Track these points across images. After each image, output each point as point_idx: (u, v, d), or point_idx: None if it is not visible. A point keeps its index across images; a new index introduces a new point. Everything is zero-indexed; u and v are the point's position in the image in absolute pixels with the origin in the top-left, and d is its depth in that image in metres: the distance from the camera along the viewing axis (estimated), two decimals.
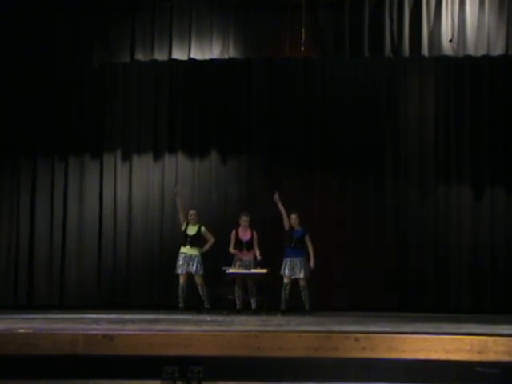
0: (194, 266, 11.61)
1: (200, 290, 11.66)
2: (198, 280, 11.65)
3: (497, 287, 12.31)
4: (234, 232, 11.83)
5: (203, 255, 11.72)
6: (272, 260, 11.78)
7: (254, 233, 11.79)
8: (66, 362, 6.68)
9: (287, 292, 11.46)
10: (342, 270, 12.62)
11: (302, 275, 11.41)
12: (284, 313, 11.29)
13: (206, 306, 11.62)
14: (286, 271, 11.47)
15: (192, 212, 11.86)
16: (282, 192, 12.52)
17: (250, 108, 13.11)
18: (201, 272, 11.63)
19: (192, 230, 11.75)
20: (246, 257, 11.73)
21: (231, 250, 11.79)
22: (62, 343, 6.67)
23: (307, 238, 11.50)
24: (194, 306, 11.74)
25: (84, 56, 11.54)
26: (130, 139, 13.21)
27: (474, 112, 12.62)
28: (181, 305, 11.57)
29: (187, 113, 13.16)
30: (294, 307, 11.49)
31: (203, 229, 11.79)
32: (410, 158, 12.77)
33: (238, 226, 11.84)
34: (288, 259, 11.50)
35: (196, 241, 11.73)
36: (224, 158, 13.10)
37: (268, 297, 11.53)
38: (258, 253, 11.65)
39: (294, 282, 11.51)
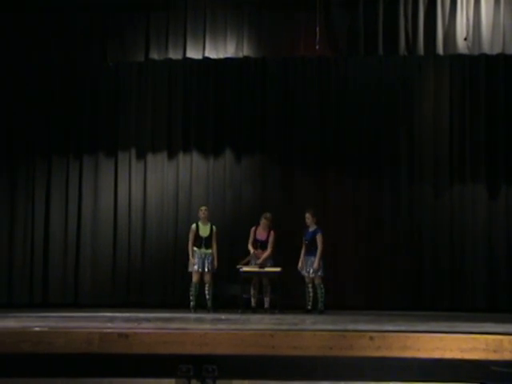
0: (207, 264, 11.63)
1: (207, 289, 11.64)
2: (207, 278, 11.66)
3: None
4: (253, 229, 11.81)
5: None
6: (286, 259, 11.80)
7: (272, 233, 11.76)
8: (81, 361, 6.70)
9: (310, 290, 11.50)
10: (356, 268, 12.60)
11: (312, 274, 11.44)
12: (308, 311, 11.36)
13: (209, 305, 11.59)
14: (303, 269, 11.52)
15: (203, 208, 11.87)
16: (296, 191, 12.61)
17: (264, 107, 13.11)
18: (212, 270, 11.65)
19: (205, 232, 11.75)
20: (260, 255, 11.72)
21: (249, 246, 11.80)
22: (77, 341, 6.70)
23: (318, 238, 11.50)
24: (205, 305, 11.75)
25: (99, 55, 11.56)
26: (145, 138, 13.23)
27: (489, 110, 12.57)
28: (193, 303, 11.56)
29: (201, 112, 13.17)
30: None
31: (215, 229, 11.79)
32: (425, 157, 12.72)
33: (258, 224, 11.83)
34: (304, 258, 11.54)
35: (209, 241, 11.73)
36: (238, 156, 13.10)
37: (282, 295, 11.52)
38: (268, 251, 11.67)
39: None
